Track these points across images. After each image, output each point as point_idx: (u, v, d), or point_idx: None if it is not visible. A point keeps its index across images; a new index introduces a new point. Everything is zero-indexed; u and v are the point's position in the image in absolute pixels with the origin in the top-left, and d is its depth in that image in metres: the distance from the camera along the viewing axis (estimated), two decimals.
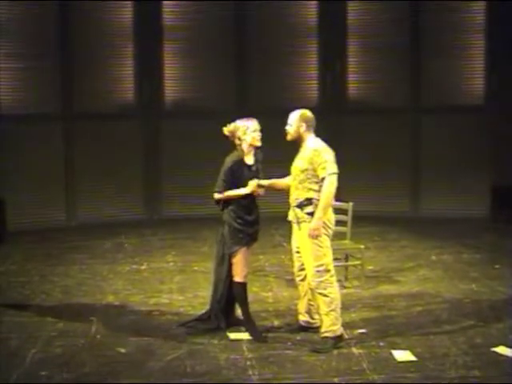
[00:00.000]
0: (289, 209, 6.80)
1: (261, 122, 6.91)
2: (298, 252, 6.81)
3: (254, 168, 6.89)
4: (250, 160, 6.89)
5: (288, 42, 12.80)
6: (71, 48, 12.24)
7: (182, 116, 12.78)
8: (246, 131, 6.82)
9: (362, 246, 8.62)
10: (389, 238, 11.20)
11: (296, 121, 6.70)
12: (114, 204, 12.48)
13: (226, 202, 6.84)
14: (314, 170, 6.55)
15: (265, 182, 6.87)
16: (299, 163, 6.68)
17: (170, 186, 12.84)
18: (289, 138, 6.77)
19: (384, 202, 12.74)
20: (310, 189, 6.58)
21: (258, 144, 6.86)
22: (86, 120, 12.37)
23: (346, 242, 8.57)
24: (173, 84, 12.82)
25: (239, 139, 6.86)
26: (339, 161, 6.68)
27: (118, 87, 12.59)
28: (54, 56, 12.12)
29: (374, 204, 12.60)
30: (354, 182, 12.16)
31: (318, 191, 6.55)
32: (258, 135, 6.84)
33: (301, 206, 6.62)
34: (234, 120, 6.94)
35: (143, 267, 9.55)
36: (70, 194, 12.38)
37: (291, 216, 6.78)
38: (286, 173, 6.91)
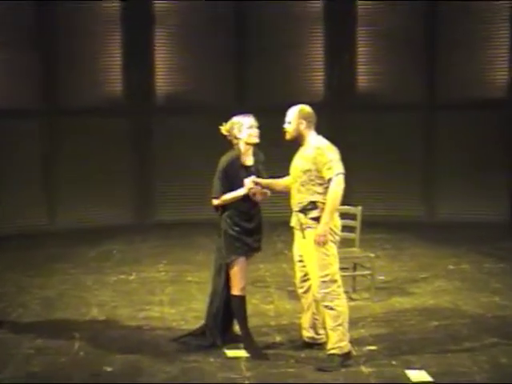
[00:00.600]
0: (291, 213, 6.70)
1: (261, 119, 6.82)
2: (300, 261, 6.73)
3: (252, 169, 6.77)
4: (249, 161, 6.79)
5: (291, 30, 12.73)
6: (53, 36, 12.16)
7: (175, 112, 12.75)
8: (241, 128, 6.71)
9: (372, 255, 8.59)
10: (401, 245, 11.20)
11: (295, 118, 6.60)
12: (101, 207, 12.42)
13: (225, 207, 6.73)
14: (318, 170, 6.45)
15: (262, 181, 6.74)
16: (299, 163, 6.58)
17: (161, 187, 12.81)
18: (288, 137, 6.66)
19: (396, 205, 12.72)
20: (314, 191, 6.48)
21: (255, 141, 6.74)
22: (69, 115, 12.31)
23: (355, 249, 8.54)
24: (165, 76, 12.78)
25: (236, 138, 6.76)
26: (346, 161, 6.59)
27: (105, 79, 12.53)
28: (35, 46, 12.03)
29: (385, 208, 12.59)
30: (362, 184, 12.16)
31: (323, 194, 6.44)
32: (254, 132, 6.72)
33: (304, 210, 6.53)
34: (231, 116, 6.84)
35: (132, 277, 9.52)
36: (52, 197, 12.33)
37: (294, 222, 6.69)
38: (288, 174, 6.81)
